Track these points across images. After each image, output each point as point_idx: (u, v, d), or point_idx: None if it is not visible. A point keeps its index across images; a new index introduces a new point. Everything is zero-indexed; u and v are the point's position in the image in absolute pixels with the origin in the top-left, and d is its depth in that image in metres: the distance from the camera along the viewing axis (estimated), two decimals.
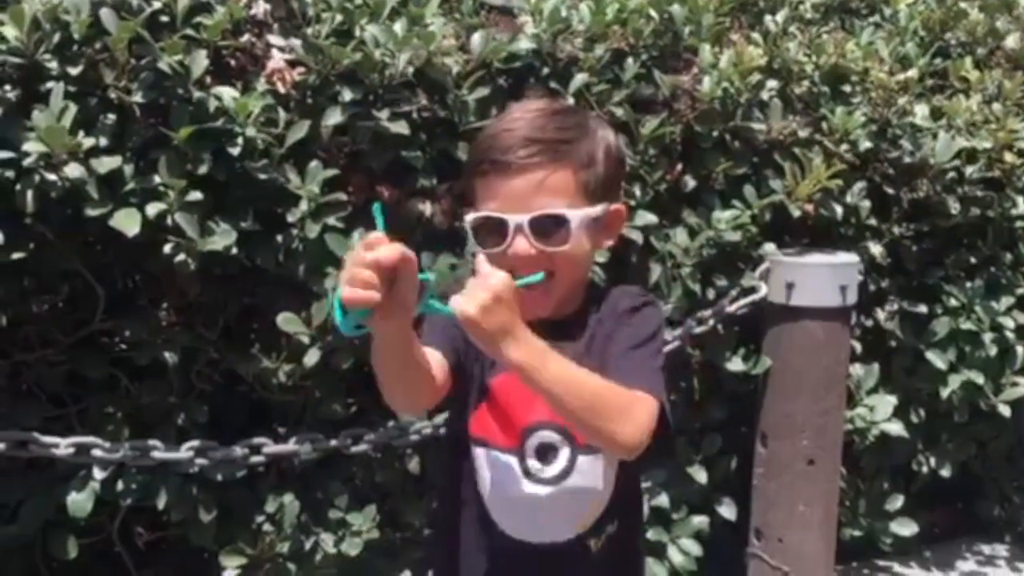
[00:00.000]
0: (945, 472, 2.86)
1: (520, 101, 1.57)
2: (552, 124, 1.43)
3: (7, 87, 1.84)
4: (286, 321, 2.04)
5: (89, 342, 2.09)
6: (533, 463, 1.46)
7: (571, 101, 2.25)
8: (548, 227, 1.40)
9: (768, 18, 2.65)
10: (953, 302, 2.73)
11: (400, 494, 2.27)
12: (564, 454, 1.46)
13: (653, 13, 2.41)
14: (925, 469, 2.87)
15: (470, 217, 1.44)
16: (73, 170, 1.80)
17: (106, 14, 1.85)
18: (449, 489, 1.56)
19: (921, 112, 2.63)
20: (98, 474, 2.03)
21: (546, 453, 1.46)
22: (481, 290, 1.26)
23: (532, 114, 1.45)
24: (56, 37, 1.84)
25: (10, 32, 1.80)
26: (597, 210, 1.44)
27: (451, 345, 1.44)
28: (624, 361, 1.43)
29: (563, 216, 1.41)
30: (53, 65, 1.84)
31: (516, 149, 1.39)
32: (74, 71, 1.85)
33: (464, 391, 1.48)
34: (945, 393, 2.72)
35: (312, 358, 2.05)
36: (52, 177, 1.80)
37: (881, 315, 2.70)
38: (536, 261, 1.40)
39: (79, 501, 2.02)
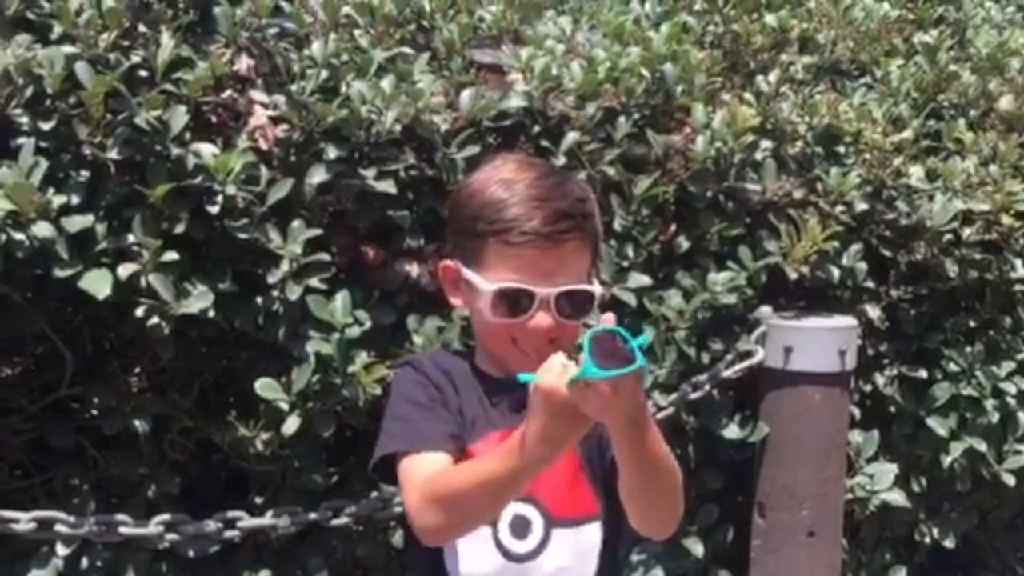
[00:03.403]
0: (948, 543, 2.79)
1: (500, 160, 1.49)
2: (572, 194, 1.41)
3: None
4: (264, 387, 1.97)
5: (56, 409, 2.01)
6: (507, 537, 1.41)
7: (563, 160, 2.22)
8: (573, 301, 1.38)
9: (760, 78, 2.63)
10: (953, 367, 2.68)
11: (383, 569, 2.19)
12: (537, 528, 1.41)
13: (645, 72, 2.38)
14: (927, 540, 2.79)
15: (492, 286, 1.37)
16: (42, 229, 1.75)
17: (81, 68, 1.81)
18: (416, 563, 1.49)
19: (916, 174, 2.61)
20: (61, 550, 1.95)
21: (520, 527, 1.41)
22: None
23: (545, 181, 1.40)
24: (28, 91, 1.80)
25: None
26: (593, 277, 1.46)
27: (450, 432, 1.38)
28: None
29: (589, 292, 1.40)
30: (24, 120, 1.79)
31: (553, 223, 1.36)
32: (46, 126, 1.80)
33: None
34: (947, 461, 2.66)
35: (291, 426, 1.98)
36: (19, 236, 1.74)
37: (880, 380, 2.65)
38: (548, 333, 1.38)
39: None
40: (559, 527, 1.41)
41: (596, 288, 1.42)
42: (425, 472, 1.33)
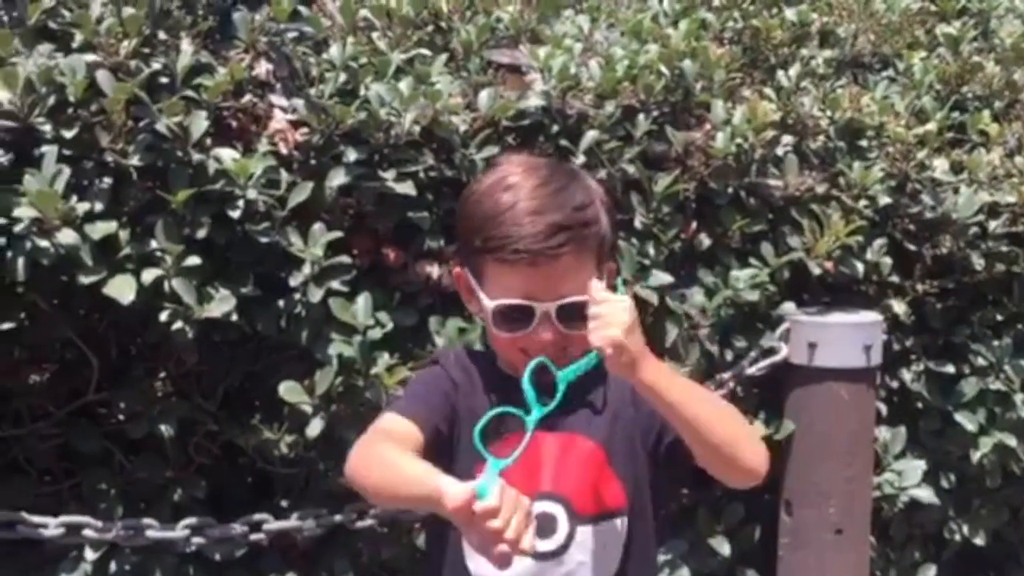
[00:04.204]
0: (979, 540, 2.75)
1: (505, 164, 1.50)
2: (570, 202, 1.39)
3: None
4: (288, 390, 1.97)
5: (82, 415, 2.01)
6: None
7: (582, 159, 2.20)
8: (575, 312, 1.37)
9: (780, 73, 2.60)
10: (981, 361, 2.64)
11: (409, 571, 2.17)
12: (563, 526, 1.41)
13: (664, 69, 2.36)
14: (957, 537, 2.75)
15: (492, 304, 1.39)
16: (66, 236, 1.75)
17: (103, 76, 1.81)
18: (436, 565, 1.49)
19: (941, 166, 2.57)
20: (90, 555, 1.95)
21: (545, 526, 1.40)
22: (621, 313, 1.27)
23: (545, 190, 1.39)
24: (51, 100, 1.80)
25: (3, 95, 1.76)
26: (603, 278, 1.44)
27: (433, 418, 1.39)
28: None
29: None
30: (47, 128, 1.79)
31: (546, 238, 1.35)
32: (69, 134, 1.80)
33: (447, 464, 1.38)
34: (976, 457, 2.62)
35: (315, 428, 1.97)
36: (44, 243, 1.75)
37: (907, 375, 2.61)
38: (554, 343, 1.38)
39: None
40: (583, 523, 1.41)
41: None
42: (383, 428, 1.36)
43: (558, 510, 1.40)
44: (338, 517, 2.05)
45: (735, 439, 1.34)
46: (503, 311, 1.38)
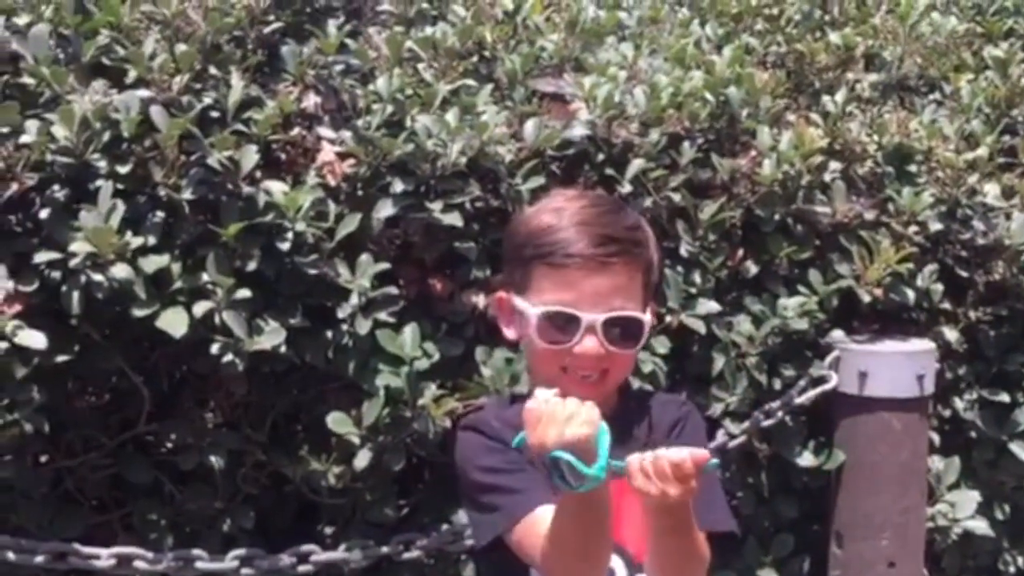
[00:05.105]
0: None
1: (553, 194, 1.56)
2: (621, 222, 1.40)
3: (56, 187, 1.83)
4: (336, 421, 1.97)
5: (133, 445, 2.03)
6: None
7: (628, 187, 2.19)
8: (621, 329, 1.36)
9: (826, 98, 2.58)
10: None
11: None
12: None
13: (709, 96, 2.35)
14: (1012, 569, 2.69)
15: (537, 310, 1.36)
16: (120, 270, 1.77)
17: (156, 111, 1.84)
18: None
19: (992, 191, 2.53)
20: None
21: None
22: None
23: (592, 210, 1.41)
24: (105, 136, 1.83)
25: (60, 132, 1.79)
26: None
27: (537, 479, 1.35)
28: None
29: (639, 319, 1.38)
30: (102, 164, 1.82)
31: (596, 246, 1.35)
32: (123, 169, 1.83)
33: None
34: None
35: (362, 460, 1.97)
36: (99, 277, 1.77)
37: (960, 404, 2.56)
38: (597, 360, 1.36)
39: None
40: (641, 572, 1.39)
41: (646, 317, 1.39)
42: (535, 535, 1.31)
43: (616, 561, 1.38)
44: (385, 548, 2.04)
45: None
46: (549, 317, 1.35)
